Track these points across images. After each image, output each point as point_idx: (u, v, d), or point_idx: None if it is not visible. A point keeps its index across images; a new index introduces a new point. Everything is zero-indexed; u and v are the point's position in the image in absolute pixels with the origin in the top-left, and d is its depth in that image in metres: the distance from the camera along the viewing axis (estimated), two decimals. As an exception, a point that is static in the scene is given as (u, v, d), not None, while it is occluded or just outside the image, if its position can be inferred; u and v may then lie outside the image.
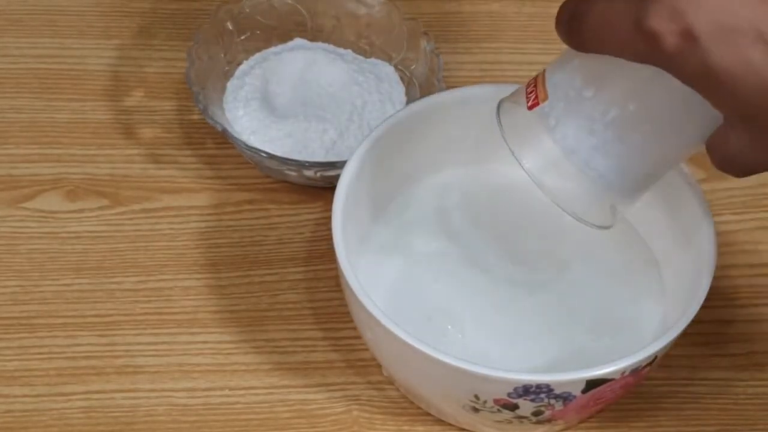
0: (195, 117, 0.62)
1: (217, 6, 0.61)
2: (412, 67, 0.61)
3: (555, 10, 0.68)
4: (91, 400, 0.52)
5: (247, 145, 0.57)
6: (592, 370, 0.46)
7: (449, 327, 0.52)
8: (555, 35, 0.69)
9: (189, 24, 0.65)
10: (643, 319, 0.52)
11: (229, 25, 0.61)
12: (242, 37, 0.62)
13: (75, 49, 0.64)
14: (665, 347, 0.48)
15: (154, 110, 0.62)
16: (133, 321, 0.55)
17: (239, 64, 0.61)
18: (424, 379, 0.49)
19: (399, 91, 0.61)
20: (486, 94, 0.54)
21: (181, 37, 0.64)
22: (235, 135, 0.57)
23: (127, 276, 0.56)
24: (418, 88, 0.61)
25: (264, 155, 0.56)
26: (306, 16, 0.62)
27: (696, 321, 0.56)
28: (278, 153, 0.57)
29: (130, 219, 0.58)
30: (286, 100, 0.60)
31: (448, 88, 0.60)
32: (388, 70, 0.61)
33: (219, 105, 0.60)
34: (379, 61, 0.62)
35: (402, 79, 0.61)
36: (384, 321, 0.47)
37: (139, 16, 0.65)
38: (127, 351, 0.54)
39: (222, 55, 0.61)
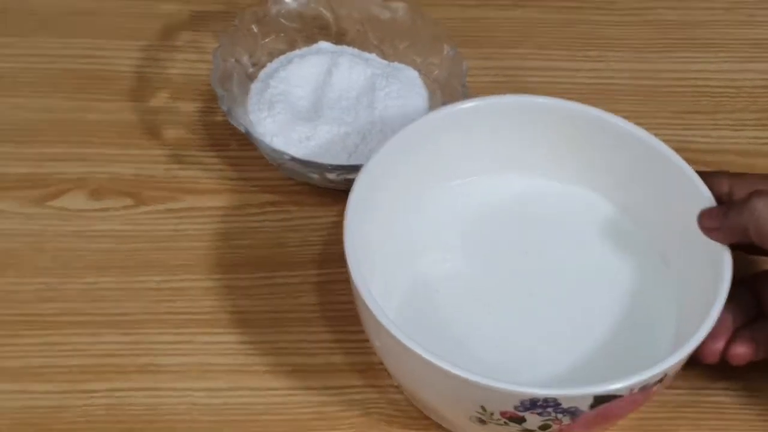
0: (219, 118, 0.62)
1: (242, 9, 0.61)
2: (435, 72, 0.61)
3: (578, 16, 0.69)
4: (113, 397, 0.53)
5: (270, 148, 0.57)
6: (600, 386, 0.45)
7: (459, 337, 0.51)
8: (578, 41, 0.69)
9: (214, 26, 0.65)
10: (657, 336, 0.52)
11: (254, 28, 0.61)
12: (267, 40, 0.62)
13: (105, 50, 0.64)
14: (675, 365, 0.47)
15: (178, 111, 0.62)
16: (156, 320, 0.55)
17: (263, 66, 0.62)
18: (431, 389, 0.49)
19: (422, 95, 0.61)
20: (503, 103, 0.54)
21: (207, 39, 0.65)
22: (259, 137, 0.58)
23: (151, 275, 0.56)
24: (440, 93, 0.61)
25: (287, 158, 0.57)
26: (330, 20, 0.63)
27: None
28: (301, 156, 0.57)
29: (154, 219, 0.58)
30: (310, 103, 0.60)
31: (472, 93, 0.61)
32: (411, 74, 0.61)
33: (243, 107, 0.60)
34: (402, 66, 0.62)
35: (425, 84, 0.61)
36: (392, 329, 0.46)
37: (166, 17, 0.66)
38: (150, 350, 0.54)
39: (246, 58, 0.61)
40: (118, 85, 0.63)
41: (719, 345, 0.50)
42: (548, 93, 0.64)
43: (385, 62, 0.62)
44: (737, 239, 0.50)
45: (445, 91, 0.60)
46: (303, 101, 0.60)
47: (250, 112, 0.60)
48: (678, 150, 0.62)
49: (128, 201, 0.59)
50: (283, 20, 0.62)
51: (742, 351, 0.50)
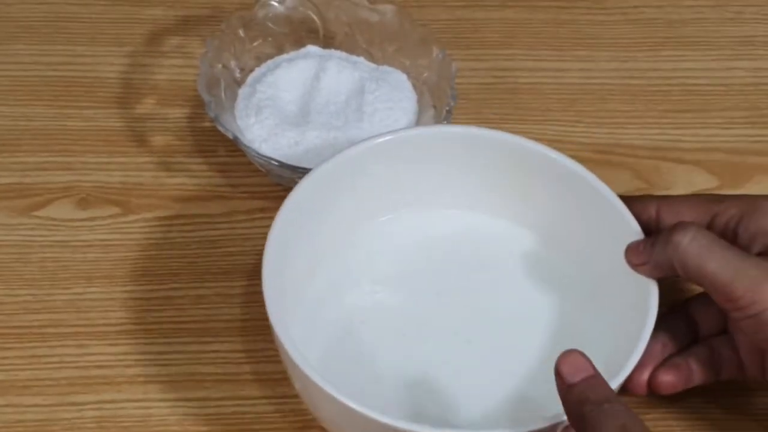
0: (206, 124, 0.61)
1: (229, 13, 0.61)
2: (425, 75, 0.61)
3: (567, 16, 0.69)
4: (102, 409, 0.52)
5: (258, 153, 0.57)
6: (521, 427, 0.44)
7: (385, 376, 0.51)
8: (567, 41, 0.69)
9: (201, 31, 0.65)
10: None
11: (241, 32, 0.61)
12: (254, 44, 0.61)
13: (87, 56, 0.64)
14: None
15: (165, 118, 0.62)
16: (145, 330, 0.55)
17: (251, 71, 0.61)
18: (352, 430, 0.47)
19: (411, 99, 0.60)
20: (424, 135, 0.53)
21: (193, 44, 0.64)
22: (247, 143, 0.57)
23: (139, 284, 0.56)
24: (429, 95, 0.60)
25: (275, 163, 0.56)
26: (318, 24, 0.62)
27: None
28: (289, 161, 0.57)
29: (142, 227, 0.58)
30: (298, 107, 0.60)
31: (461, 95, 0.60)
32: (400, 77, 0.61)
33: (231, 112, 0.59)
34: (391, 69, 0.61)
35: (414, 86, 0.61)
36: (316, 379, 0.45)
37: (151, 23, 0.65)
38: (139, 360, 0.54)
39: (234, 63, 0.61)
40: (102, 92, 0.63)
41: (645, 376, 0.49)
42: (538, 93, 0.64)
43: (373, 65, 0.62)
44: (664, 274, 0.49)
45: (434, 93, 0.60)
46: (291, 106, 0.60)
47: (238, 117, 0.59)
48: (669, 149, 0.63)
49: (115, 209, 0.58)
50: (270, 24, 0.62)
51: (667, 379, 0.50)
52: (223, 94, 0.59)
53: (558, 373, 0.44)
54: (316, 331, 0.51)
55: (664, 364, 0.50)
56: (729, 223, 0.49)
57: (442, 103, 0.59)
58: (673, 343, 0.51)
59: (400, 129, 0.54)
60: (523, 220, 0.55)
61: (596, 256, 0.52)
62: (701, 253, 0.47)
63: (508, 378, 0.51)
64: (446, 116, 0.58)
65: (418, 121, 0.60)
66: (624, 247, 0.50)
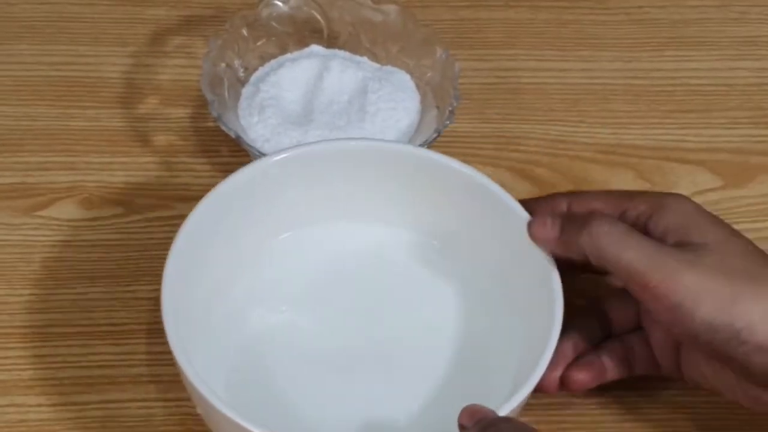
0: (210, 124, 0.61)
1: (233, 12, 0.61)
2: (428, 75, 0.60)
3: (569, 16, 0.69)
4: (106, 409, 0.52)
5: (260, 153, 0.56)
6: None
7: (291, 397, 0.50)
8: (569, 41, 0.69)
9: (203, 31, 0.65)
10: (496, 380, 0.50)
11: (245, 32, 0.61)
12: (258, 44, 0.61)
13: (90, 56, 0.64)
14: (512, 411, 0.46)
15: (168, 118, 0.62)
16: (148, 330, 0.54)
17: (254, 70, 0.61)
18: None
19: (414, 99, 0.60)
20: (317, 152, 0.53)
21: (196, 44, 0.64)
22: (249, 142, 0.57)
23: (142, 285, 0.56)
24: (432, 95, 0.60)
25: None
26: (322, 23, 0.62)
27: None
28: None
29: (145, 227, 0.58)
30: (301, 107, 0.60)
31: (464, 95, 0.60)
32: (403, 77, 0.61)
33: (234, 111, 0.59)
34: (395, 69, 0.61)
35: (417, 86, 0.61)
36: (219, 406, 0.45)
37: (154, 23, 0.65)
38: (142, 360, 0.54)
39: (237, 62, 0.61)
40: (105, 92, 0.63)
41: (556, 374, 0.49)
42: (541, 93, 0.64)
43: (377, 65, 0.62)
44: (568, 255, 0.49)
45: (438, 93, 0.60)
46: (294, 105, 0.60)
47: (241, 116, 0.59)
48: (672, 149, 0.63)
49: (118, 209, 0.58)
50: (274, 24, 0.61)
51: (580, 377, 0.50)
52: (226, 93, 0.59)
53: (461, 427, 0.45)
54: (221, 353, 0.51)
55: (576, 361, 0.50)
56: (639, 218, 0.50)
57: (445, 103, 0.58)
58: (586, 341, 0.51)
59: (299, 145, 0.53)
60: (424, 230, 0.55)
61: (501, 262, 0.52)
62: (618, 242, 0.47)
63: (419, 392, 0.51)
64: (449, 116, 0.58)
65: (421, 122, 0.59)
66: (527, 254, 0.50)
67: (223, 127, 0.57)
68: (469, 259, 0.54)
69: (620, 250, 0.47)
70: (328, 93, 0.60)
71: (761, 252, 0.48)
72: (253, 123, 0.59)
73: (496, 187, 0.52)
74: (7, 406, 0.52)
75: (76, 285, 0.56)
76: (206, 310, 0.52)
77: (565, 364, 0.50)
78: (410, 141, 0.58)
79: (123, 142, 0.61)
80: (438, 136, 0.57)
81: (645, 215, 0.50)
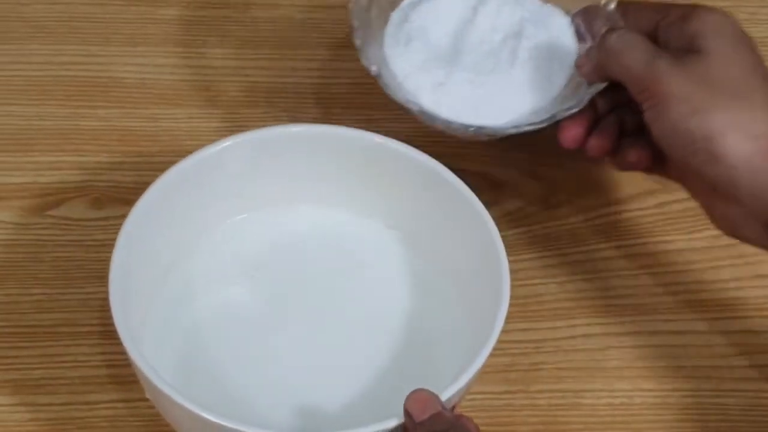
0: (217, 125, 0.61)
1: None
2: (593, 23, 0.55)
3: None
4: (115, 409, 0.52)
5: (398, 93, 0.53)
6: (375, 425, 0.44)
7: (239, 381, 0.50)
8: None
9: (214, 31, 0.65)
10: (439, 368, 0.50)
11: None
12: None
13: (101, 56, 0.64)
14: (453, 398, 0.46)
15: (178, 118, 0.62)
16: (158, 329, 0.55)
17: None
18: None
19: (568, 50, 0.55)
20: (273, 135, 0.53)
21: (208, 44, 0.64)
22: (389, 79, 0.53)
23: (152, 284, 0.56)
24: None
25: (415, 108, 0.53)
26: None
27: (723, 331, 0.56)
28: (428, 106, 0.54)
29: (155, 227, 0.58)
30: (449, 43, 0.56)
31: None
32: (561, 22, 0.56)
33: (379, 40, 0.55)
34: (556, 10, 0.56)
35: (577, 33, 0.56)
36: (164, 388, 0.45)
37: (165, 23, 0.65)
38: (152, 360, 0.54)
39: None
40: (116, 92, 0.63)
41: (579, 131, 0.52)
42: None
43: (539, 3, 0.56)
44: (604, 80, 0.52)
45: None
46: (443, 40, 0.55)
47: (386, 45, 0.55)
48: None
49: (129, 209, 0.58)
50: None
51: (598, 143, 0.52)
52: (372, 18, 0.55)
53: (407, 412, 0.44)
54: (170, 336, 0.51)
55: (600, 129, 0.53)
56: (670, 27, 0.51)
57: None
58: (609, 103, 0.53)
59: (247, 132, 0.52)
60: (379, 216, 0.54)
61: (455, 252, 0.52)
62: (623, 49, 0.50)
63: (365, 376, 0.51)
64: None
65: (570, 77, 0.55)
66: (478, 242, 0.50)
67: (363, 62, 0.54)
68: (426, 247, 0.54)
69: (623, 56, 0.50)
70: (480, 31, 0.55)
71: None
72: (396, 54, 0.55)
73: (453, 177, 0.52)
74: (18, 405, 0.52)
75: (86, 285, 0.56)
76: (155, 294, 0.52)
77: (587, 122, 0.52)
78: (559, 98, 0.55)
79: (134, 142, 0.61)
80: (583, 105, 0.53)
81: (674, 24, 0.51)
